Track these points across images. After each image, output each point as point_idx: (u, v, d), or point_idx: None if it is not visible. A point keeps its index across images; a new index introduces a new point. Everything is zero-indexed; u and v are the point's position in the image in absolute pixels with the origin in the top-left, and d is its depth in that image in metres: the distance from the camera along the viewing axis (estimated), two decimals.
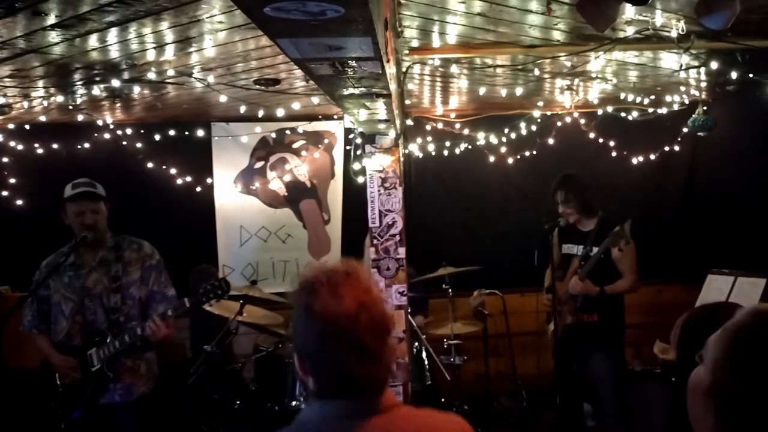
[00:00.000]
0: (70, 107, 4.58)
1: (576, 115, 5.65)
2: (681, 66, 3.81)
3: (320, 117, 5.53)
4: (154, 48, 3.19)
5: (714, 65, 3.87)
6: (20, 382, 3.98)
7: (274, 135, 5.65)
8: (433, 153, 5.70)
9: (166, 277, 3.43)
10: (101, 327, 3.26)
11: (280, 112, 4.99)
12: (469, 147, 5.67)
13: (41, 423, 3.35)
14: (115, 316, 3.26)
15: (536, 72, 4.10)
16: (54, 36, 2.86)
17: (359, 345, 1.29)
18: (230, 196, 5.64)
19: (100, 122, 5.20)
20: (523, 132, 5.58)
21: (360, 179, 4.05)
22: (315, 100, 4.64)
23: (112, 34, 2.90)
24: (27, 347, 3.45)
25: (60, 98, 4.24)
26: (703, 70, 4.11)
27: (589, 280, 4.00)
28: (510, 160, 5.75)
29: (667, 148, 5.93)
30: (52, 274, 3.28)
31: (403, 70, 3.53)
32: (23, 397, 3.84)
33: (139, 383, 3.35)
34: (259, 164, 5.69)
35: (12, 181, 5.24)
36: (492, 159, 5.71)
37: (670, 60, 3.93)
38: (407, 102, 4.84)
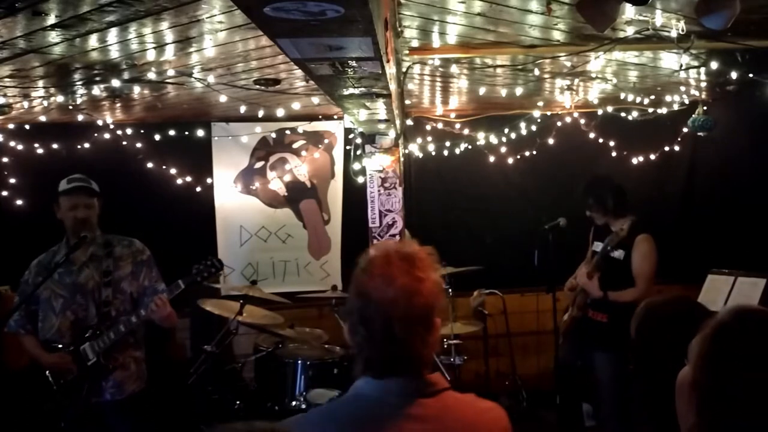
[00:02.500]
0: (70, 107, 4.58)
1: (576, 115, 5.65)
2: (681, 66, 3.81)
3: (320, 117, 5.53)
4: (154, 48, 3.19)
5: (714, 65, 3.87)
6: (20, 382, 3.98)
7: (274, 135, 5.65)
8: (433, 153, 5.70)
9: (156, 272, 3.45)
10: (91, 323, 3.25)
11: (280, 112, 4.99)
12: (469, 147, 5.67)
13: (40, 423, 3.34)
14: (107, 309, 3.26)
15: (536, 72, 4.10)
16: (54, 36, 2.86)
17: (387, 330, 1.35)
18: (230, 196, 5.64)
19: (100, 122, 5.20)
20: (523, 132, 5.58)
21: (360, 179, 4.05)
22: (315, 100, 4.64)
23: (112, 34, 2.90)
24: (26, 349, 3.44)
25: (60, 98, 4.24)
26: (703, 70, 4.11)
27: (596, 279, 3.97)
28: (510, 160, 5.74)
29: (667, 148, 5.93)
30: (43, 273, 3.27)
31: (403, 70, 3.53)
32: (21, 397, 3.84)
33: (130, 381, 3.35)
34: (259, 164, 5.69)
35: (12, 181, 5.23)
36: (492, 159, 5.71)
37: (670, 60, 3.93)
38: (407, 102, 4.84)
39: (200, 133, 5.42)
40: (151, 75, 3.74)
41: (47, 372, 3.29)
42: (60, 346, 3.27)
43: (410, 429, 1.34)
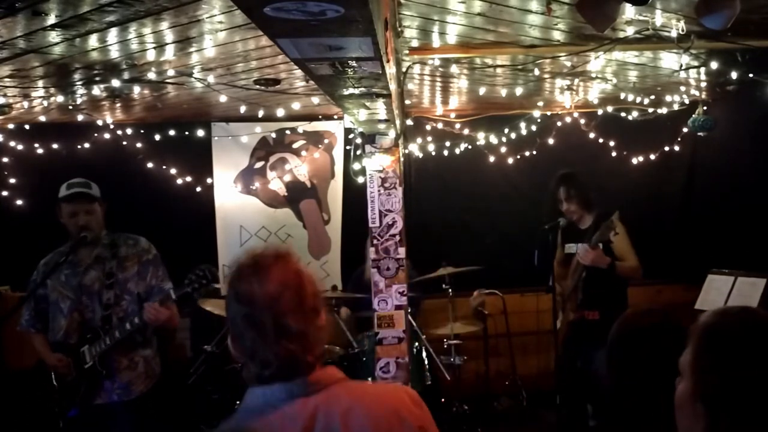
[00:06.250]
0: (70, 107, 4.58)
1: (576, 115, 5.65)
2: (681, 66, 3.81)
3: (320, 117, 5.53)
4: (154, 48, 3.19)
5: (714, 65, 3.87)
6: (20, 382, 3.98)
7: (274, 135, 5.65)
8: (433, 153, 5.70)
9: (163, 271, 3.42)
10: (98, 324, 3.25)
11: (280, 112, 4.99)
12: (469, 147, 5.67)
13: (39, 422, 3.34)
14: (108, 312, 3.25)
15: (536, 72, 4.10)
16: (54, 36, 2.87)
17: (279, 325, 1.34)
18: (230, 196, 5.64)
19: (100, 122, 5.21)
20: (523, 132, 5.58)
21: (360, 179, 4.05)
22: (315, 100, 4.64)
23: (112, 34, 2.91)
24: (27, 347, 3.44)
25: (60, 98, 4.24)
26: (703, 70, 4.12)
27: (600, 248, 4.00)
28: (510, 160, 5.75)
29: (667, 148, 5.93)
30: (50, 274, 3.27)
31: (403, 70, 3.53)
32: (22, 396, 3.84)
33: (138, 382, 3.33)
34: (259, 164, 5.69)
35: (12, 181, 5.24)
36: (492, 159, 5.71)
37: (670, 60, 3.93)
38: (407, 102, 4.84)
39: (200, 133, 5.42)
40: (151, 75, 3.74)
41: (52, 372, 3.30)
42: (70, 344, 3.27)
43: (296, 429, 1.33)
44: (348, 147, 4.73)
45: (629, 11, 2.83)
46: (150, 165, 5.41)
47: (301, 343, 1.36)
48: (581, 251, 4.07)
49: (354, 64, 1.72)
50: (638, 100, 5.26)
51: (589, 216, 4.24)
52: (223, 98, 4.37)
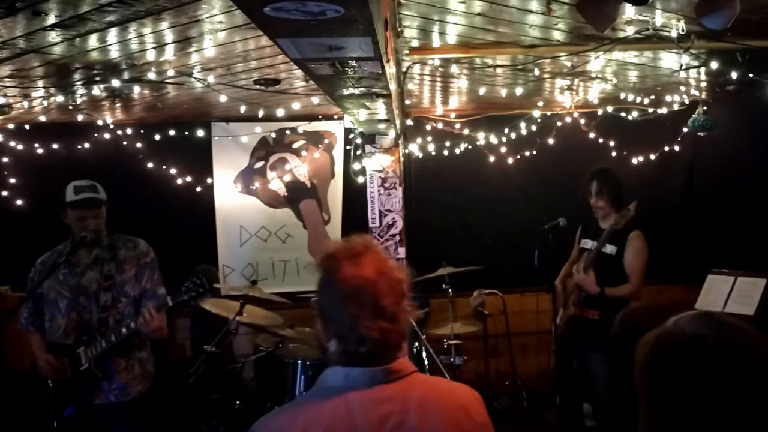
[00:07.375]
0: (70, 107, 4.58)
1: (576, 115, 5.65)
2: (681, 66, 3.81)
3: (320, 117, 5.53)
4: (154, 48, 3.19)
5: (714, 65, 3.87)
6: (20, 382, 3.98)
7: (274, 135, 5.65)
8: (433, 153, 5.70)
9: (158, 276, 3.42)
10: (94, 326, 3.24)
11: (280, 112, 4.99)
12: (469, 147, 5.67)
13: (34, 422, 3.34)
14: (105, 314, 3.24)
15: (536, 72, 4.10)
16: (54, 36, 2.86)
17: (376, 305, 1.43)
18: (230, 196, 5.64)
19: (100, 122, 5.21)
20: (523, 132, 5.58)
21: (360, 179, 4.06)
22: (315, 100, 4.64)
23: (112, 34, 2.91)
24: (27, 347, 3.44)
25: (60, 98, 4.24)
26: (703, 70, 4.11)
27: (593, 274, 3.96)
28: (510, 160, 5.75)
29: (667, 148, 5.93)
30: (49, 273, 3.25)
31: (403, 70, 3.53)
32: (19, 396, 3.85)
33: (135, 383, 3.33)
34: (259, 164, 5.69)
35: (12, 181, 5.24)
36: (492, 159, 5.72)
37: (670, 60, 3.93)
38: (407, 102, 4.84)
39: (200, 133, 5.43)
40: (151, 75, 3.74)
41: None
42: (67, 344, 3.27)
43: (376, 413, 1.41)
44: (348, 147, 4.74)
45: (629, 11, 2.82)
46: (150, 165, 5.41)
47: (394, 324, 1.45)
48: (575, 273, 4.04)
49: (354, 64, 1.72)
50: (638, 100, 5.26)
51: (615, 216, 4.07)
52: (223, 98, 4.37)
